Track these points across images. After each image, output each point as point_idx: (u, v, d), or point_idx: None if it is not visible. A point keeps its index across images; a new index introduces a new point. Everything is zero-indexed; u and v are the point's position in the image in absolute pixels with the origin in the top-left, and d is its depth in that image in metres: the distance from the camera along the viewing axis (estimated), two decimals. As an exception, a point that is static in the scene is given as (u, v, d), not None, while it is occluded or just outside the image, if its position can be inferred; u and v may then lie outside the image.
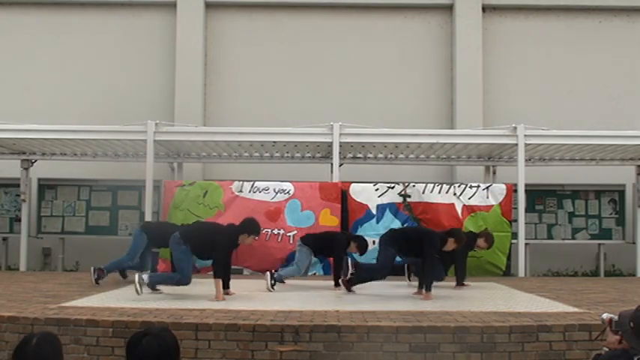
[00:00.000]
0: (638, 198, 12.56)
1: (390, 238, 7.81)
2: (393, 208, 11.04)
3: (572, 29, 14.43)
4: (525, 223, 11.56)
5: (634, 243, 12.55)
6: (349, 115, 12.38)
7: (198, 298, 7.23)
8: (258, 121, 12.90)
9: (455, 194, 11.09)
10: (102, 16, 14.44)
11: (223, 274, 7.29)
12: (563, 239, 13.02)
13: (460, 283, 8.81)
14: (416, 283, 8.06)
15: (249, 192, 11.00)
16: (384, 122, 12.39)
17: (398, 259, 8.38)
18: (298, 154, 12.65)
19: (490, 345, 5.26)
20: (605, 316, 3.44)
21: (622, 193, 13.06)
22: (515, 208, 11.38)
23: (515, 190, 11.34)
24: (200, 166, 13.67)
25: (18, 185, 12.36)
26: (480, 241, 8.88)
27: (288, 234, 10.67)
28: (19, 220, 12.72)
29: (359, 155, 12.71)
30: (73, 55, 14.27)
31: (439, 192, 11.11)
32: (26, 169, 12.37)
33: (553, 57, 14.27)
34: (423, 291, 7.50)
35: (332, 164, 11.44)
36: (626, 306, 4.38)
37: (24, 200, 12.30)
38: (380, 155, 12.69)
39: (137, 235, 9.11)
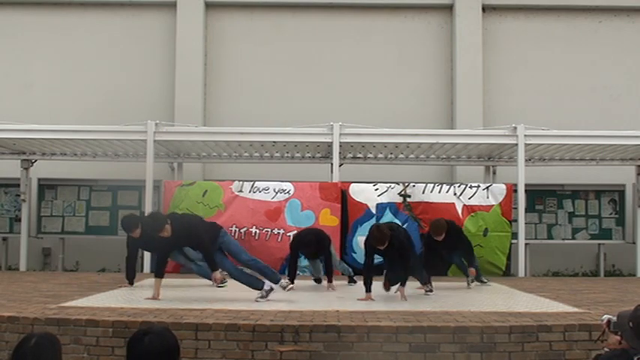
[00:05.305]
0: (638, 198, 12.57)
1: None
2: (393, 207, 11.05)
3: (572, 29, 14.43)
4: (525, 223, 11.56)
5: (634, 243, 12.55)
6: (349, 115, 12.37)
7: (198, 298, 7.24)
8: (258, 121, 12.89)
9: (455, 194, 11.11)
10: (102, 16, 14.42)
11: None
12: (563, 239, 13.01)
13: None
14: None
15: (249, 192, 11.03)
16: (383, 122, 12.38)
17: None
18: (298, 154, 12.65)
19: (490, 345, 5.26)
20: (605, 317, 3.45)
21: (622, 193, 13.05)
22: (515, 208, 11.38)
23: (515, 190, 11.35)
24: (200, 166, 13.66)
25: (18, 185, 12.36)
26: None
27: (288, 234, 10.65)
28: (19, 220, 12.71)
29: (359, 155, 12.70)
30: (73, 55, 14.25)
31: (439, 192, 11.13)
32: (26, 169, 12.37)
33: (553, 57, 14.25)
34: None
35: (332, 164, 11.44)
36: (625, 306, 4.37)
37: (24, 200, 12.30)
38: (380, 155, 12.69)
39: None
